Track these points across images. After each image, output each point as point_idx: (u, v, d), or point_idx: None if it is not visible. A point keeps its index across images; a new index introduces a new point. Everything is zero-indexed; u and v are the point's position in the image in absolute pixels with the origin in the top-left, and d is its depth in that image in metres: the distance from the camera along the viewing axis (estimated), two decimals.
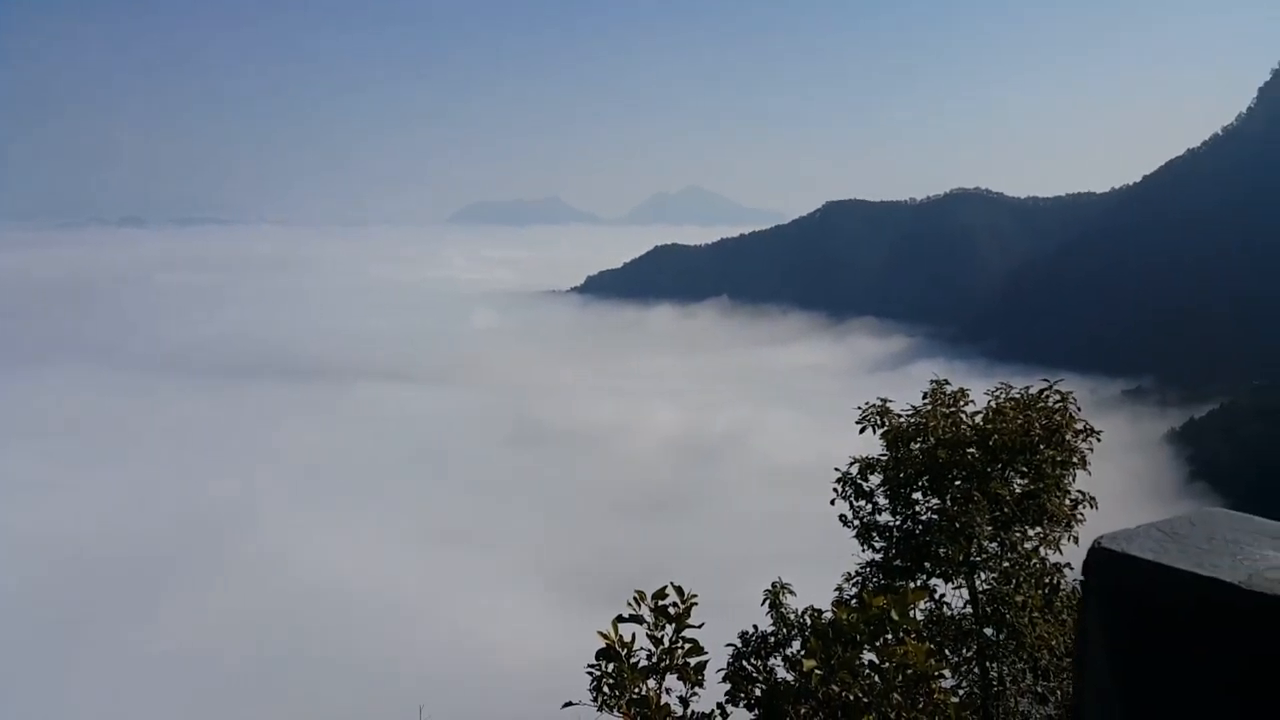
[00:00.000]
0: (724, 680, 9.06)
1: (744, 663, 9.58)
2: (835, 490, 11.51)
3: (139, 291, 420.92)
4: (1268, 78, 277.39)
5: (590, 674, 6.27)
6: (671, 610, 6.55)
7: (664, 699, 6.06)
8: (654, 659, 6.33)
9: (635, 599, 6.51)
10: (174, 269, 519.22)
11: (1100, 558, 2.12)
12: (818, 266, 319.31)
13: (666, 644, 6.37)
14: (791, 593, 9.75)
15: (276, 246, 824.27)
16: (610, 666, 6.15)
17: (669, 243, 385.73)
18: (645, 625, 6.30)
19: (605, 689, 6.19)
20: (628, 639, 6.18)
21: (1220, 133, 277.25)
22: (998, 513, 10.82)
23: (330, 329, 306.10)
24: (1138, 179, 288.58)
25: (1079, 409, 11.19)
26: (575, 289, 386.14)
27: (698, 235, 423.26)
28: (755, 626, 10.06)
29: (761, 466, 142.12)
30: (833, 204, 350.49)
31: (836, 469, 11.55)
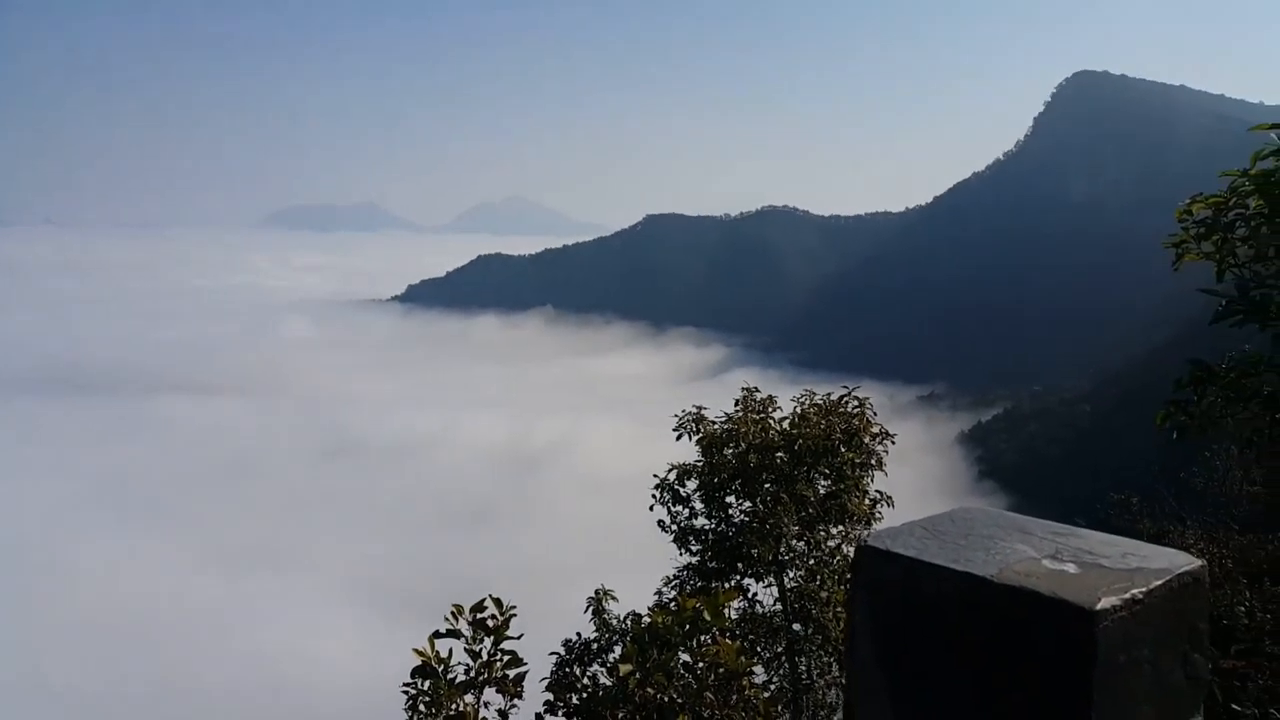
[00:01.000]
0: (547, 689, 9.04)
1: (566, 670, 9.61)
2: (654, 496, 11.77)
3: None
4: (1041, 109, 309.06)
5: (405, 693, 6.14)
6: (490, 623, 6.50)
7: (481, 713, 6.01)
8: (471, 673, 6.27)
9: (453, 613, 6.43)
10: None
11: (866, 555, 2.19)
12: (640, 278, 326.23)
13: (485, 657, 6.32)
14: (614, 599, 9.86)
15: (58, 250, 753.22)
16: (426, 684, 6.04)
17: (493, 252, 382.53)
18: (463, 640, 6.24)
19: (421, 707, 6.08)
20: (445, 655, 6.10)
21: (1002, 157, 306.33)
22: (804, 513, 11.37)
23: (122, 338, 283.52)
24: (929, 200, 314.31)
25: (875, 413, 11.93)
26: (396, 298, 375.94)
27: (522, 245, 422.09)
28: (579, 634, 10.11)
29: (584, 475, 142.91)
30: (652, 217, 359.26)
31: (655, 475, 11.82)
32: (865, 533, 11.68)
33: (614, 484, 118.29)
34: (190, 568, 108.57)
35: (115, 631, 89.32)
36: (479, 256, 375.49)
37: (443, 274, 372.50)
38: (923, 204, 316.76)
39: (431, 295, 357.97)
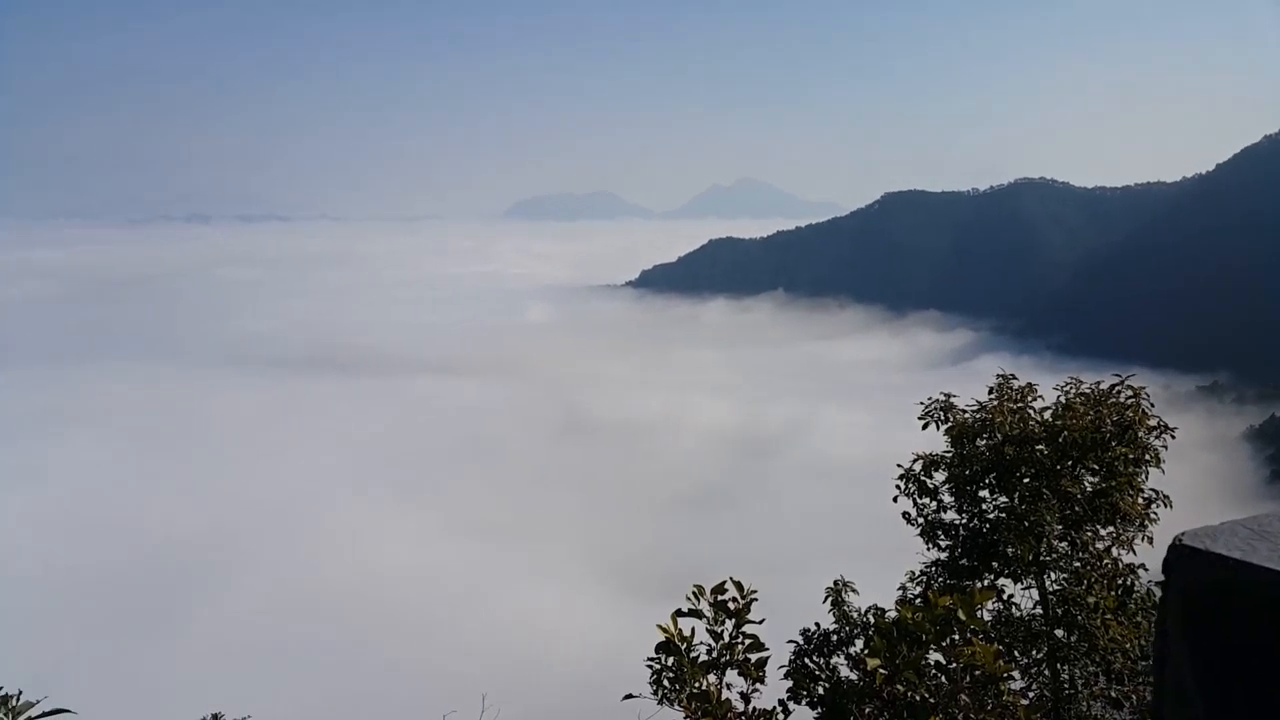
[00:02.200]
0: (785, 677, 8.92)
1: (806, 660, 9.43)
2: (898, 487, 11.25)
3: (202, 286, 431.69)
4: None
5: (650, 667, 6.22)
6: (731, 605, 6.47)
7: (725, 694, 6.00)
8: (714, 654, 6.27)
9: (694, 593, 6.43)
10: (235, 264, 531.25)
11: (1182, 555, 2.05)
12: (877, 259, 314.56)
13: (726, 639, 6.31)
14: (854, 591, 9.56)
15: (333, 242, 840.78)
16: (670, 660, 6.11)
17: (723, 236, 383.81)
18: (705, 620, 6.25)
19: (665, 683, 6.14)
20: (687, 633, 6.14)
21: None
22: (1068, 511, 10.50)
23: (384, 323, 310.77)
24: (1210, 168, 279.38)
25: (1152, 405, 10.81)
26: (629, 283, 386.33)
27: (753, 228, 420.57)
28: (817, 624, 9.90)
29: (815, 463, 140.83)
30: (891, 195, 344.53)
31: (899, 465, 11.30)
32: (1140, 535, 10.59)
33: (846, 472, 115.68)
34: (438, 536, 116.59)
35: (363, 594, 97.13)
36: (710, 241, 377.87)
37: (674, 259, 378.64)
38: (1203, 172, 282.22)
39: (663, 280, 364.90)
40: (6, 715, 6.07)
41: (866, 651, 6.04)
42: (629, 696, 5.81)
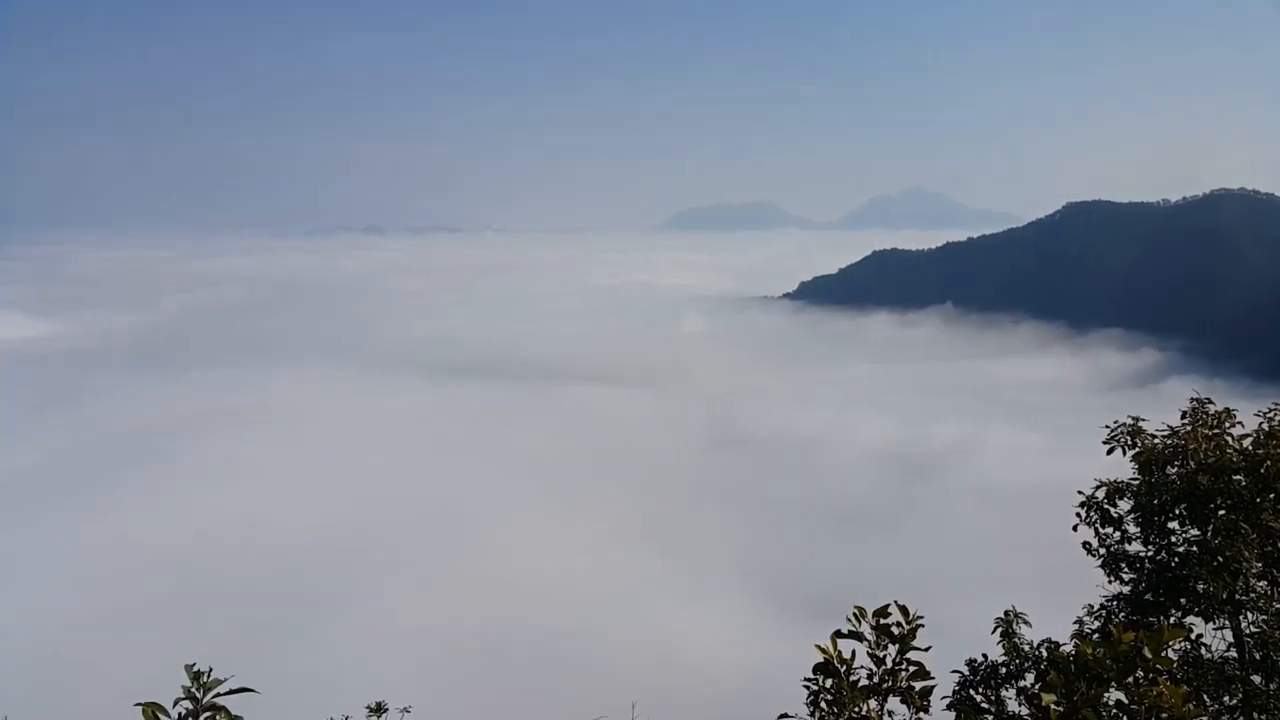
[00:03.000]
0: (949, 708, 8.56)
1: (971, 692, 9.02)
2: (1078, 515, 10.61)
3: (375, 294, 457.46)
4: None
5: (806, 688, 6.11)
6: (895, 630, 6.29)
7: None
8: (875, 679, 6.11)
9: (855, 615, 6.29)
10: (406, 274, 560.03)
11: None
12: (1056, 273, 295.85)
13: (889, 665, 6.13)
14: (1026, 623, 9.05)
15: (497, 253, 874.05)
16: (829, 682, 5.99)
17: (888, 247, 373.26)
18: (865, 643, 6.10)
19: (823, 705, 6.03)
20: (846, 655, 6.02)
21: None
22: (1269, 548, 9.62)
23: (543, 332, 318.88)
24: None
25: None
26: (788, 295, 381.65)
27: (920, 239, 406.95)
28: (984, 655, 9.45)
29: (981, 486, 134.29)
30: (1074, 205, 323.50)
31: (1080, 492, 10.66)
32: None
33: (1015, 497, 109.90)
34: (590, 543, 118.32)
35: (516, 596, 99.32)
36: (874, 252, 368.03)
37: (835, 270, 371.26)
38: None
39: (823, 292, 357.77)
40: (198, 690, 6.56)
41: (1040, 687, 5.73)
42: (785, 717, 5.72)
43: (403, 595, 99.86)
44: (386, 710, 17.00)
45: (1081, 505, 10.55)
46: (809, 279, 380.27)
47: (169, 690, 6.89)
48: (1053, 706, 5.72)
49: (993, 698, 8.74)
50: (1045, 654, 8.89)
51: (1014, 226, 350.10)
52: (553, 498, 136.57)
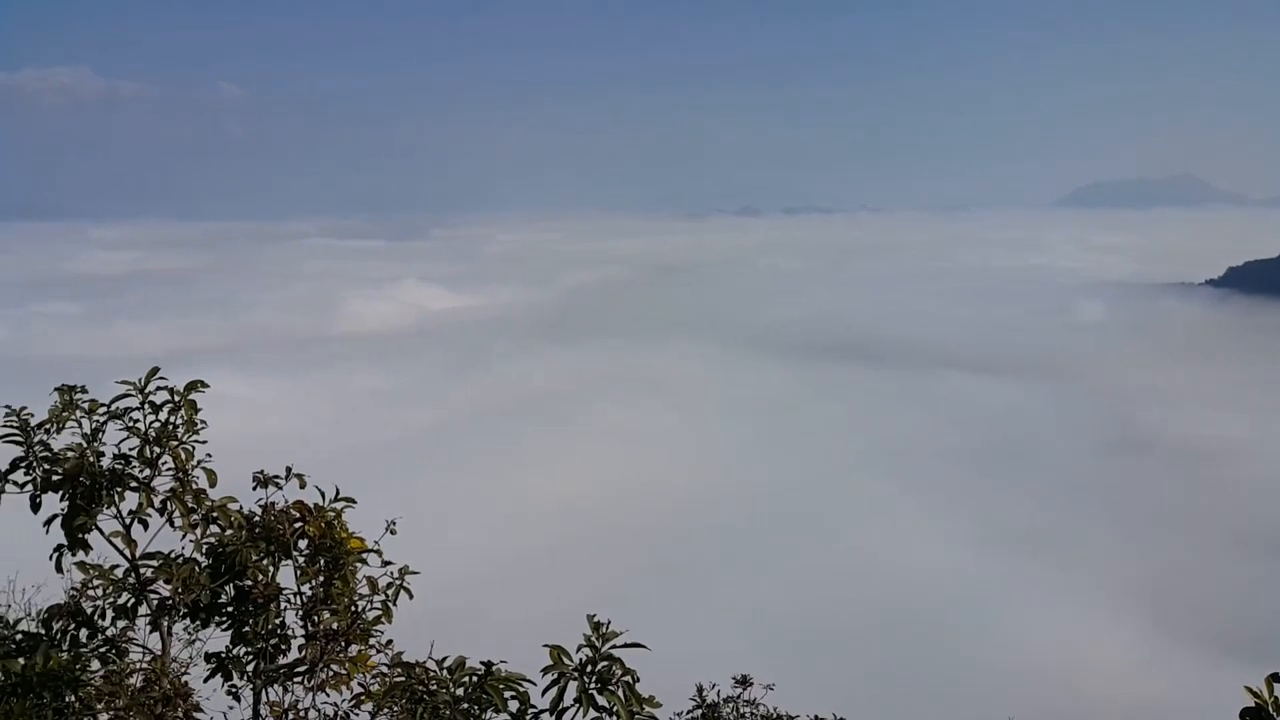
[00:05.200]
0: None
1: None
2: None
3: (747, 274, 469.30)
4: None
5: None
6: None
7: None
8: None
9: None
10: (778, 254, 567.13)
11: None
12: None
13: None
14: None
15: (870, 233, 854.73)
16: None
17: None
18: None
19: None
20: None
21: None
22: None
23: (917, 315, 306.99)
24: None
25: None
26: (1209, 281, 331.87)
27: None
28: None
29: None
30: None
31: None
32: None
33: None
34: (958, 541, 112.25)
35: (875, 587, 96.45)
36: None
37: (1274, 255, 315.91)
38: None
39: (1258, 279, 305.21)
40: (598, 639, 6.87)
41: None
42: None
43: (766, 572, 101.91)
44: (751, 684, 17.13)
45: None
46: (1239, 263, 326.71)
47: (553, 635, 7.26)
48: None
49: None
50: None
51: None
52: (921, 490, 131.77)
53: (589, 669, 6.68)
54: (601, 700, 6.60)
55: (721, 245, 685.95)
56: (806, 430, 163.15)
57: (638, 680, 6.77)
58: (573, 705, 6.61)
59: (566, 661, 6.71)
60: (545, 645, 6.83)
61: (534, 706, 6.92)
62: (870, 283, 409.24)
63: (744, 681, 16.95)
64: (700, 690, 16.09)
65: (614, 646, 6.80)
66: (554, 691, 6.65)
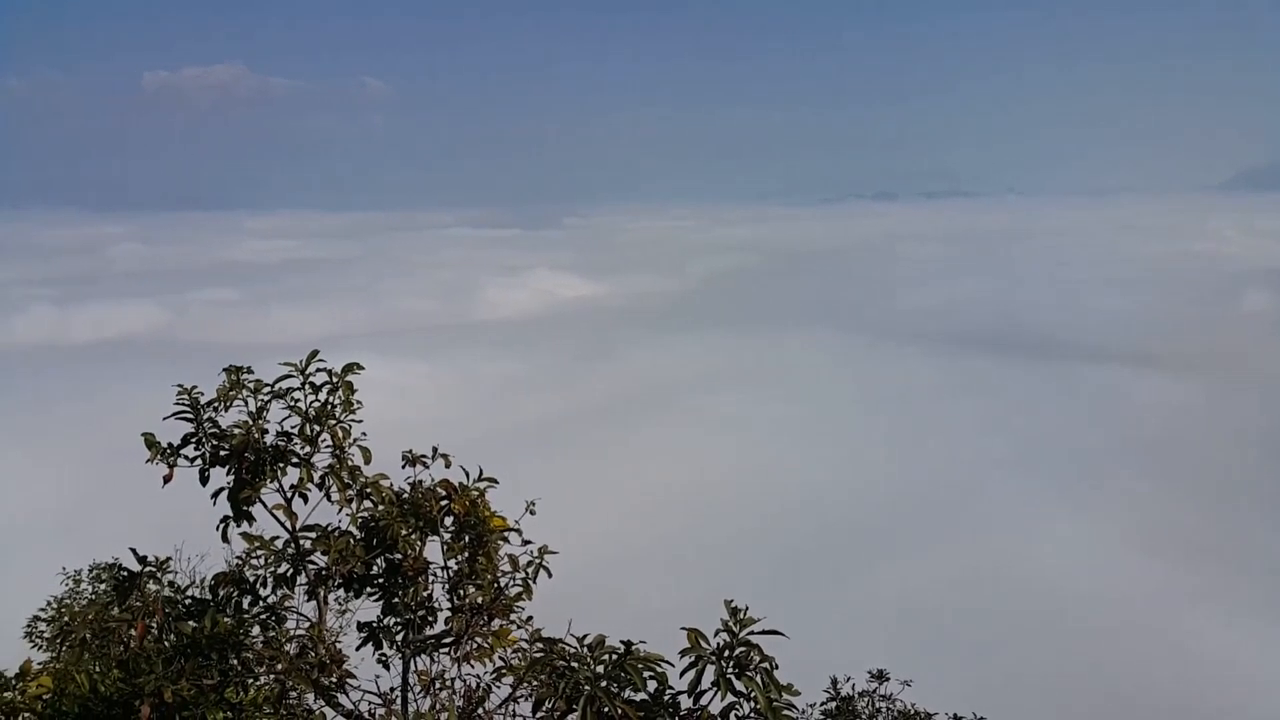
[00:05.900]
0: None
1: None
2: None
3: (883, 261, 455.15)
4: None
5: None
6: None
7: None
8: None
9: None
10: (916, 240, 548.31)
11: None
12: None
13: None
14: None
15: (1016, 218, 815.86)
16: None
17: None
18: None
19: None
20: None
21: None
22: None
23: (1064, 304, 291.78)
24: None
25: None
26: None
27: None
28: None
29: None
30: None
31: None
32: None
33: None
34: (1107, 543, 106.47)
35: (1015, 589, 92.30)
36: None
37: None
38: None
39: None
40: (735, 625, 6.85)
41: None
42: None
43: (905, 567, 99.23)
44: (888, 679, 16.73)
45: None
46: None
47: (688, 620, 7.24)
48: None
49: None
50: None
51: None
52: (1067, 489, 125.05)
53: (726, 654, 6.66)
54: (739, 685, 6.57)
55: (857, 231, 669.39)
56: (945, 425, 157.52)
57: (776, 668, 6.71)
58: (710, 689, 6.61)
59: (704, 645, 6.71)
60: (683, 628, 6.85)
61: (672, 688, 6.96)
62: (1014, 270, 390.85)
63: (880, 676, 16.58)
64: (834, 682, 15.87)
65: (751, 632, 6.77)
66: (691, 674, 6.67)
